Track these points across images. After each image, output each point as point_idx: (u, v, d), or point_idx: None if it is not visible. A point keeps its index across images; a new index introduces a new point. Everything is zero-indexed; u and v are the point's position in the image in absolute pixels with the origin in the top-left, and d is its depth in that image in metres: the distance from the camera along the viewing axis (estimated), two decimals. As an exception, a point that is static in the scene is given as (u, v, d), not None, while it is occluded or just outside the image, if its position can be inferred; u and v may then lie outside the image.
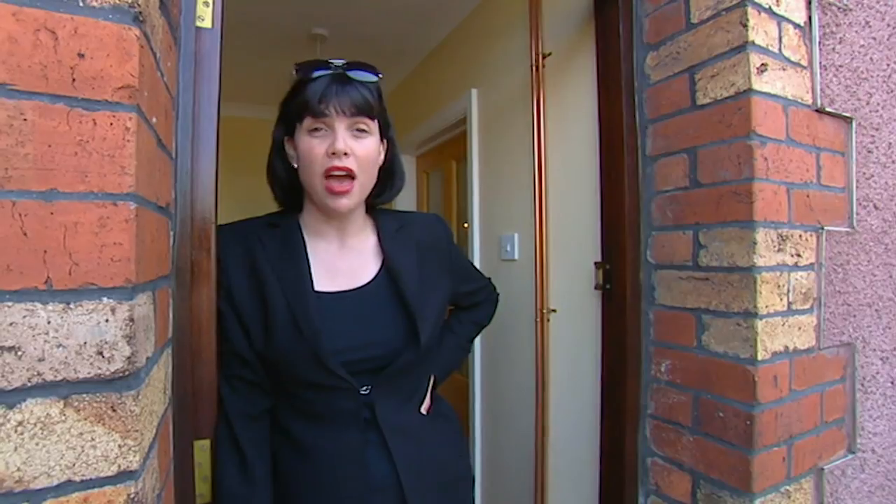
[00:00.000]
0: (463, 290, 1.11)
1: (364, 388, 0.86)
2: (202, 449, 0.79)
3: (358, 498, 0.83)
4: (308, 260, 0.88)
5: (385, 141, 0.94)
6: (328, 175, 0.83)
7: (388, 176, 0.97)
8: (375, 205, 0.98)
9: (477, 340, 2.10)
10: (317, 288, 0.87)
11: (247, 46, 2.63)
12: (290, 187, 0.92)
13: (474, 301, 1.17)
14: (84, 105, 0.46)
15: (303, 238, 0.90)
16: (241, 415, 0.82)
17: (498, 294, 1.24)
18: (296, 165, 0.89)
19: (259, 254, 0.86)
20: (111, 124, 0.47)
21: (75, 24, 0.46)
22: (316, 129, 0.84)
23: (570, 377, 1.51)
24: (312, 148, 0.83)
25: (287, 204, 0.96)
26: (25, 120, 0.44)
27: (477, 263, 2.13)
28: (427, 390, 0.99)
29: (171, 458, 0.69)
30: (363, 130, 0.85)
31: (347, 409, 0.85)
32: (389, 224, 0.98)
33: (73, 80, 0.45)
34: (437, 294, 0.98)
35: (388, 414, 0.87)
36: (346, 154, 0.82)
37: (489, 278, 1.23)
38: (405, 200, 3.00)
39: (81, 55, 0.46)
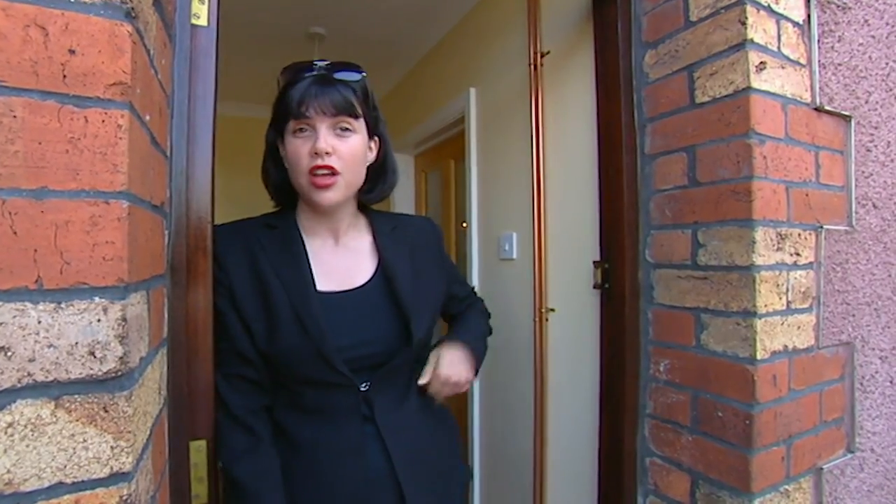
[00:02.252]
0: (451, 291, 1.11)
1: (363, 384, 0.88)
2: (198, 449, 0.78)
3: (355, 490, 0.85)
4: (308, 260, 0.89)
5: (376, 138, 0.95)
6: (312, 173, 0.85)
7: (381, 172, 0.98)
8: (368, 202, 0.99)
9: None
10: (318, 288, 0.88)
11: (244, 44, 2.61)
12: (284, 188, 0.93)
13: (461, 309, 1.15)
14: (75, 102, 0.45)
15: (301, 239, 0.91)
16: (241, 408, 0.84)
17: (484, 305, 1.22)
18: (287, 166, 0.90)
19: (259, 254, 0.88)
20: (103, 121, 0.46)
21: (66, 20, 0.45)
22: (300, 130, 0.85)
23: (568, 376, 1.50)
24: (297, 148, 0.85)
25: (283, 204, 0.97)
26: (15, 117, 0.43)
27: (475, 263, 2.14)
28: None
29: (167, 459, 0.69)
30: (347, 129, 0.86)
31: (347, 404, 0.87)
32: (384, 224, 1.00)
33: (64, 76, 0.45)
34: (432, 292, 0.99)
35: (385, 409, 0.89)
36: (328, 153, 0.84)
37: (472, 287, 1.23)
38: (404, 200, 3.00)
39: (72, 51, 0.45)
